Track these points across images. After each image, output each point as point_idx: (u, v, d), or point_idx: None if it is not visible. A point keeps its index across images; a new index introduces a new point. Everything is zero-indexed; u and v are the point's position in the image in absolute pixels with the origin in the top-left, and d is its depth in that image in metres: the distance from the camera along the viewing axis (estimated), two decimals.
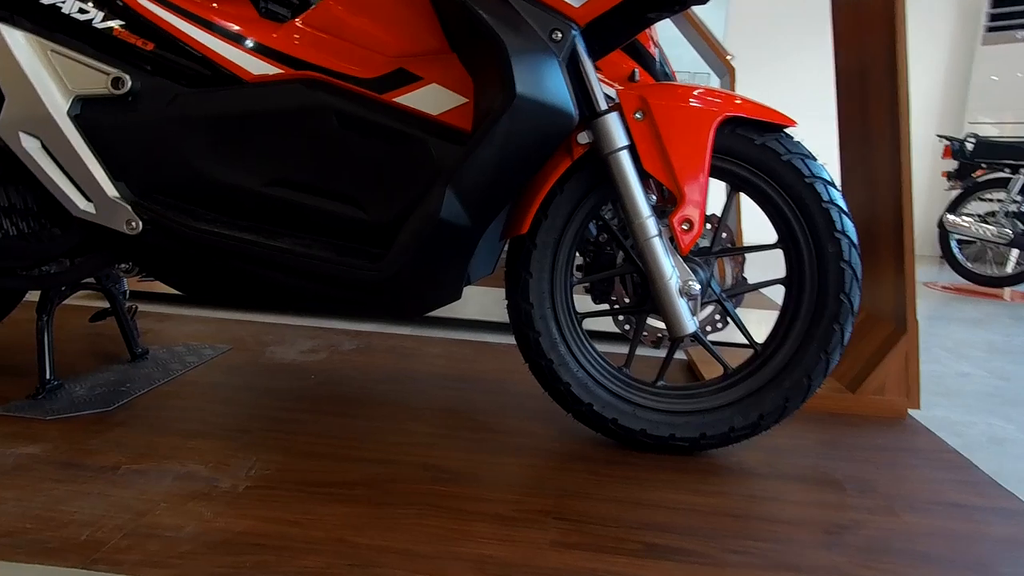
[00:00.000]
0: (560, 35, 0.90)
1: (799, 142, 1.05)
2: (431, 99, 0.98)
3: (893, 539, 0.89)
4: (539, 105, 0.88)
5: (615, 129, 0.98)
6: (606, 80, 2.72)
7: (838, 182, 1.52)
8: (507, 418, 1.23)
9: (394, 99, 0.99)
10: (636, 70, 2.70)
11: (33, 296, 1.27)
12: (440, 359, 1.56)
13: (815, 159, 1.04)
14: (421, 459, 1.04)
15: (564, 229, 1.06)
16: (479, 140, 0.88)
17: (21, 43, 1.00)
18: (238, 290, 1.02)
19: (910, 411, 1.38)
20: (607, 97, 1.01)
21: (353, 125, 0.99)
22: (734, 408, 1.08)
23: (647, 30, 2.71)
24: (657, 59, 2.74)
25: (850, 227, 1.04)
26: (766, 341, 1.11)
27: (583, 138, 1.00)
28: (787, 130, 1.05)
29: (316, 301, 1.00)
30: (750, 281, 1.20)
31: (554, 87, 0.89)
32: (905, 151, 1.29)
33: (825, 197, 1.03)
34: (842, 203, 1.04)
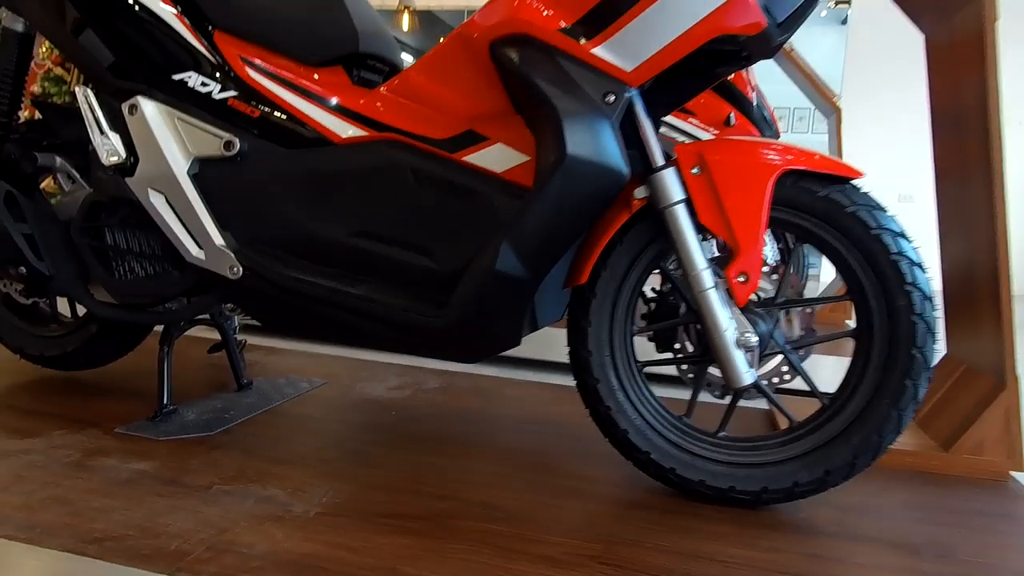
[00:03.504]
0: (613, 97, 0.95)
1: (866, 193, 1.03)
2: (496, 158, 1.05)
3: None
4: (590, 164, 0.93)
5: (671, 184, 1.01)
6: (700, 125, 2.72)
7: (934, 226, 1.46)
8: (572, 462, 1.25)
9: (463, 158, 1.07)
10: (732, 114, 2.68)
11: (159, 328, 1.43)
12: (518, 401, 1.61)
13: (884, 210, 1.02)
14: (481, 497, 1.08)
15: (623, 280, 1.09)
16: (533, 197, 0.94)
17: (154, 113, 1.16)
18: (321, 331, 1.13)
19: (1014, 473, 1.28)
20: (665, 153, 1.04)
21: (427, 182, 1.07)
22: (798, 462, 1.06)
23: (744, 73, 2.70)
24: (755, 102, 2.71)
25: (922, 279, 1.01)
26: (835, 395, 1.08)
27: (640, 192, 1.04)
28: (855, 182, 1.04)
29: (386, 343, 1.08)
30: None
31: (605, 147, 0.93)
32: (999, 193, 1.23)
33: (893, 249, 1.00)
34: (913, 255, 1.01)
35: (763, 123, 2.64)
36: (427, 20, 6.36)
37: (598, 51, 0.94)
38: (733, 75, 2.65)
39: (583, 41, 0.94)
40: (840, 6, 6.03)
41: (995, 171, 1.23)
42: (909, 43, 5.79)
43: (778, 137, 2.77)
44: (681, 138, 2.62)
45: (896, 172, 6.03)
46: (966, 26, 1.26)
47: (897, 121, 5.93)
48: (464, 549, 0.92)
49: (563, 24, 0.94)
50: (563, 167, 0.92)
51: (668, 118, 2.62)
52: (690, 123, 2.62)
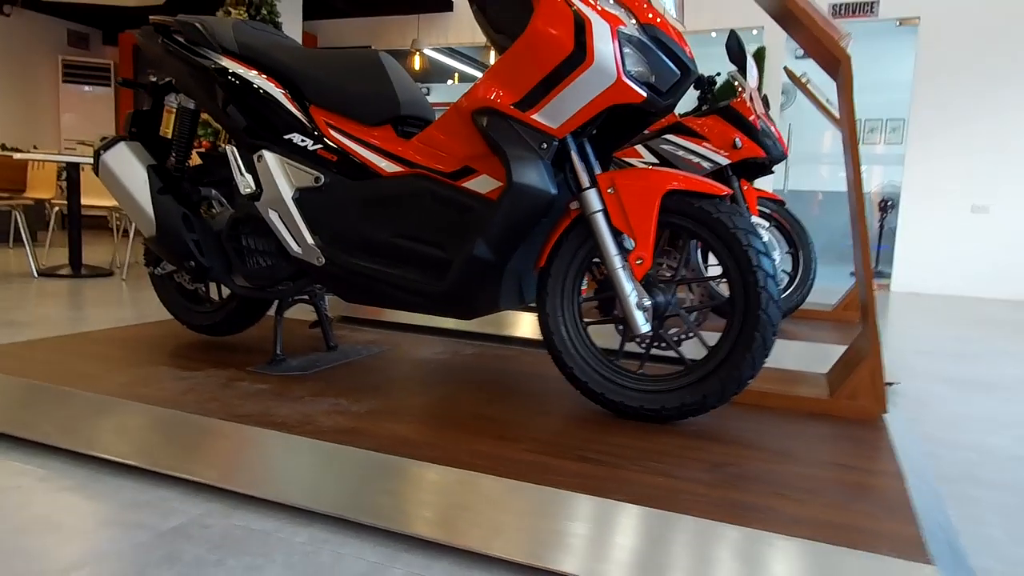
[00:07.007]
0: (546, 145, 1.48)
1: (729, 204, 1.50)
2: (483, 184, 1.60)
3: (756, 474, 1.31)
4: (528, 187, 1.46)
5: (592, 199, 1.53)
6: (713, 148, 3.21)
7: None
8: (549, 396, 1.77)
9: (462, 184, 1.62)
10: (737, 138, 3.16)
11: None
12: (529, 364, 2.14)
13: (741, 215, 1.49)
14: (475, 410, 1.63)
15: (570, 264, 1.61)
16: (495, 208, 1.49)
17: (272, 160, 1.80)
18: (370, 298, 1.71)
19: (885, 417, 1.69)
20: (591, 177, 1.55)
21: (440, 201, 1.64)
22: (686, 390, 1.53)
23: (749, 104, 3.15)
24: (760, 128, 3.17)
25: (766, 263, 1.47)
26: (715, 344, 1.55)
27: (574, 205, 1.56)
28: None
29: (408, 305, 1.65)
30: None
31: (538, 178, 1.47)
32: (860, 211, 1.65)
33: (744, 242, 1.47)
34: (760, 246, 1.47)
35: (769, 144, 3.07)
36: None
37: (535, 116, 1.47)
38: (741, 106, 3.10)
39: (525, 110, 1.48)
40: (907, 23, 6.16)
41: (856, 195, 1.65)
42: (984, 49, 5.88)
43: (785, 155, 3.18)
44: (697, 160, 3.10)
45: (970, 182, 6.06)
46: (844, 75, 1.70)
47: (970, 129, 5.98)
48: (453, 431, 1.47)
49: (511, 101, 1.48)
50: (511, 190, 1.46)
51: (686, 143, 3.10)
52: (704, 147, 3.09)
